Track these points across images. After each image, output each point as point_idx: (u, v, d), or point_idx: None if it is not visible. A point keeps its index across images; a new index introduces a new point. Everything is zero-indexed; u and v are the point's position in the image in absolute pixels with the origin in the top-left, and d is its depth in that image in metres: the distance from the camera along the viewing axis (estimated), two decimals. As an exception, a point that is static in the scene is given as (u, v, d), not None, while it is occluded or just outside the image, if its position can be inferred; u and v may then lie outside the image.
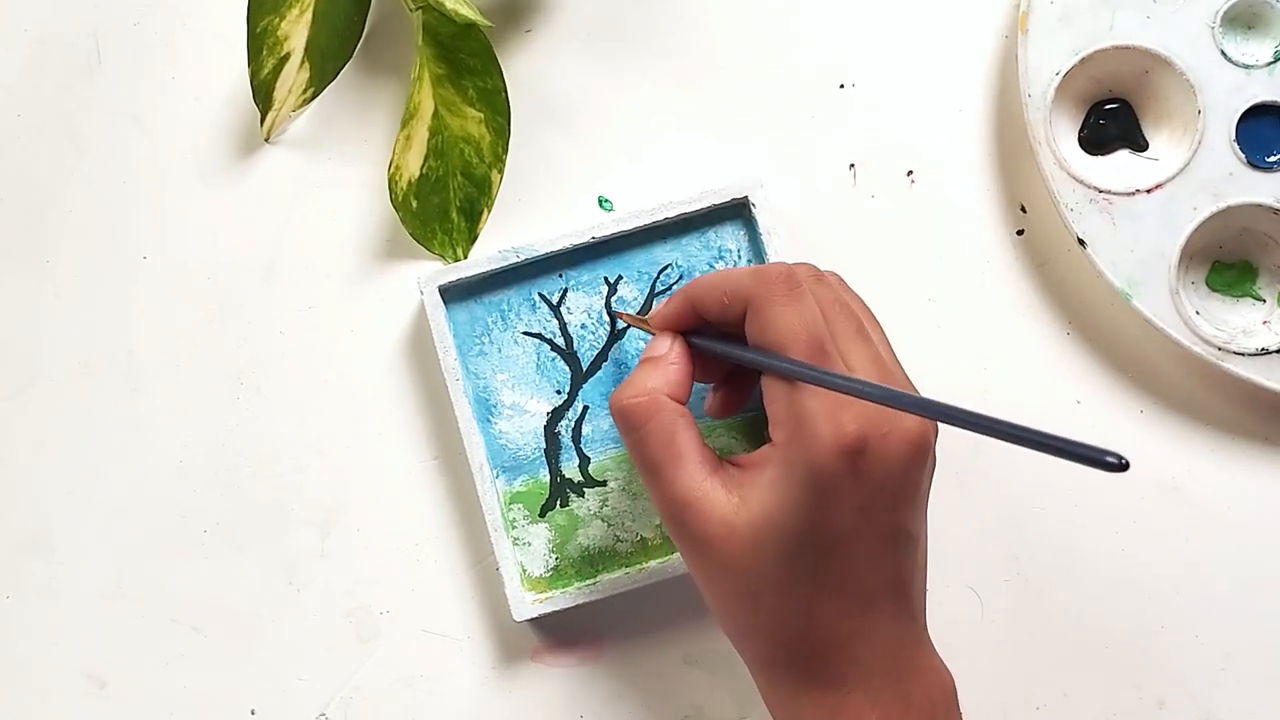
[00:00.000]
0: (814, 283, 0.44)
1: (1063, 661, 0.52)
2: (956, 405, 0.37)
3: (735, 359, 0.45)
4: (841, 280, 0.47)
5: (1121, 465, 0.34)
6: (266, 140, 0.54)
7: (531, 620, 0.50)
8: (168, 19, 0.54)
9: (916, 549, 0.43)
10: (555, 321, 0.52)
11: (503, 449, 0.52)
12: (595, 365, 0.52)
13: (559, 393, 0.52)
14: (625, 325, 0.52)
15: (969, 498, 0.52)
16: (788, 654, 0.42)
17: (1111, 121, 0.52)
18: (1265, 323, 0.51)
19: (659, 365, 0.45)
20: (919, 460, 0.42)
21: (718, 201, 0.51)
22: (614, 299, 0.52)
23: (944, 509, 0.52)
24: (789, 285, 0.42)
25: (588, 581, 0.51)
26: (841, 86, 0.53)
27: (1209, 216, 0.50)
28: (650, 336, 0.47)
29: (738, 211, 0.51)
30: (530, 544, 0.51)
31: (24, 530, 0.54)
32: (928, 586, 0.45)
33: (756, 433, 0.51)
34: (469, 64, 0.51)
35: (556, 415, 0.52)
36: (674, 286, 0.52)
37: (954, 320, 0.52)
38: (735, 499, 0.42)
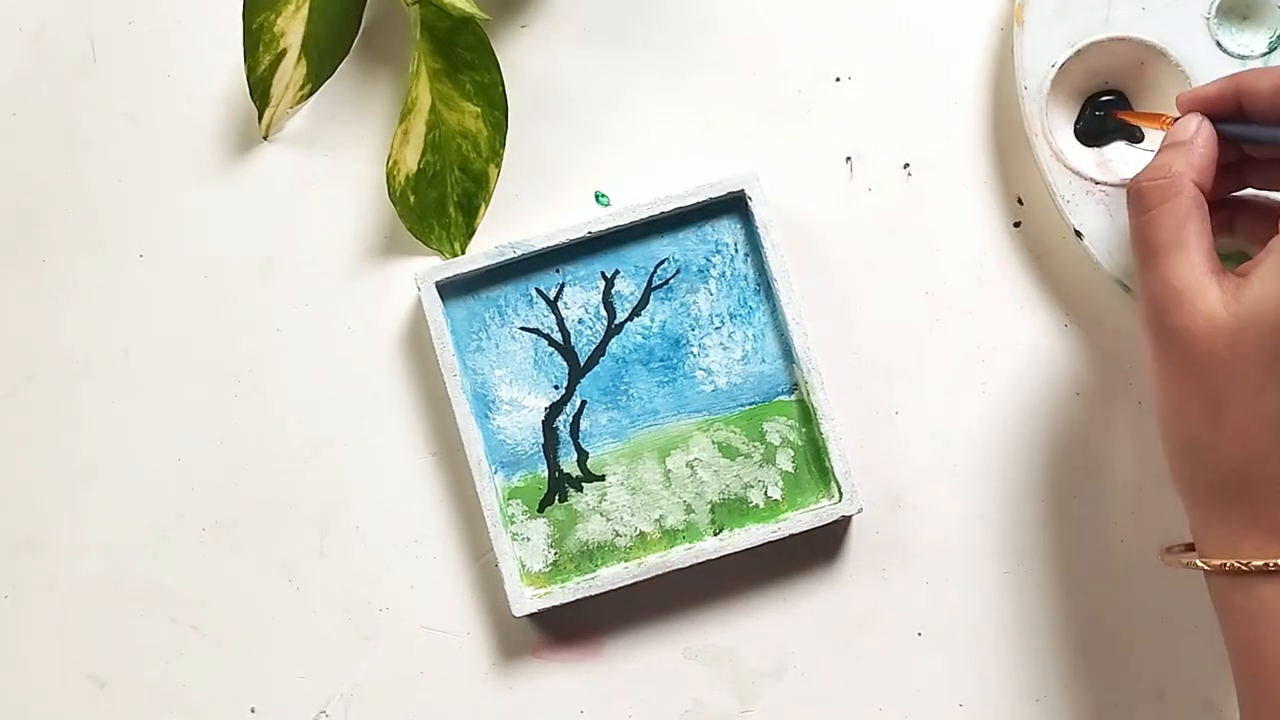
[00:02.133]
0: None
1: (1062, 652, 0.52)
2: None
3: (1269, 140, 0.42)
4: None
5: None
6: (264, 137, 0.54)
7: (531, 616, 0.50)
8: (163, 17, 0.54)
9: None
10: (553, 317, 0.52)
11: (501, 444, 0.51)
12: (593, 360, 0.52)
13: (557, 388, 0.52)
14: (625, 320, 0.52)
15: (969, 490, 0.52)
16: (1237, 483, 0.40)
17: (1108, 113, 0.52)
18: (1262, 313, 0.51)
19: (1184, 148, 0.43)
20: None
21: (714, 195, 0.51)
22: (612, 293, 0.52)
23: (940, 505, 0.52)
24: None
25: (587, 576, 0.51)
26: (838, 80, 0.53)
27: (1205, 207, 0.50)
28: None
29: (734, 205, 0.51)
30: (529, 539, 0.51)
31: (22, 529, 0.53)
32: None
33: None
34: (466, 59, 0.51)
35: (554, 410, 0.52)
36: (671, 281, 0.52)
37: (951, 312, 0.53)
38: (1229, 293, 0.39)
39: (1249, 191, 0.46)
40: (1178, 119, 0.45)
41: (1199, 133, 0.43)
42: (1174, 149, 0.43)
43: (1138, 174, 0.43)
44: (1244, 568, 0.40)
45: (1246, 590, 0.40)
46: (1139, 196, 0.42)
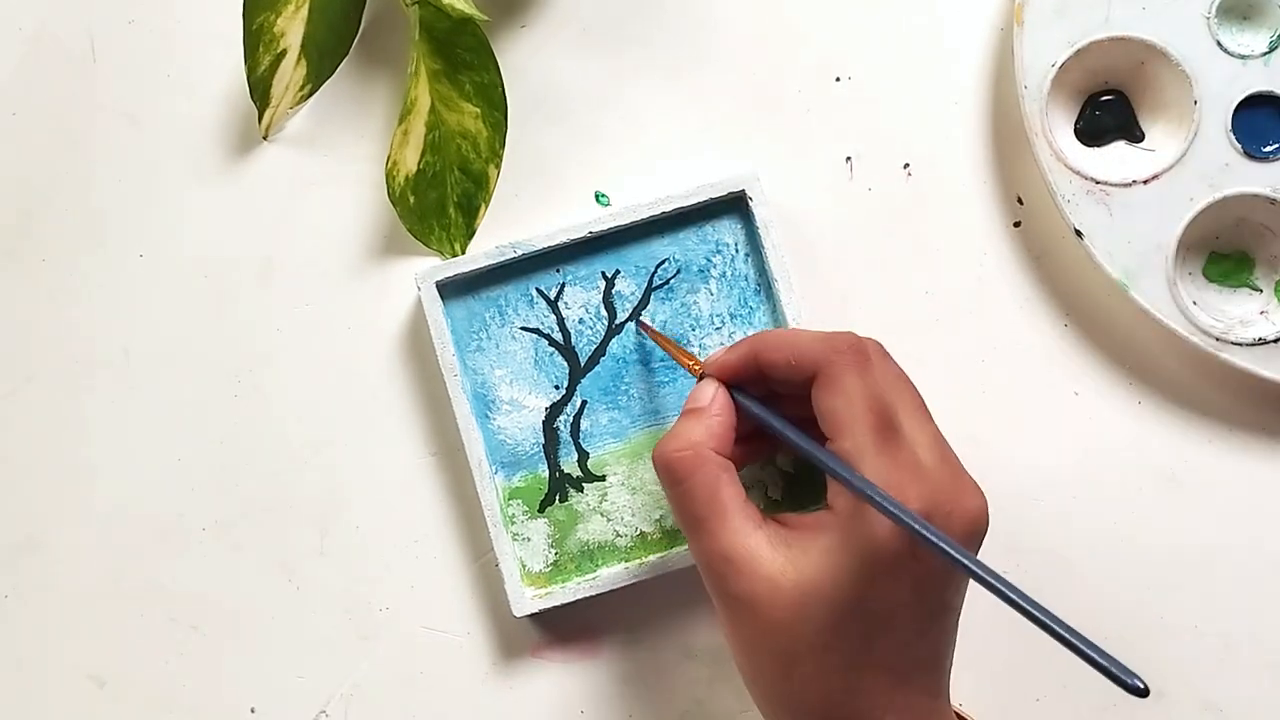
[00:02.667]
0: (878, 357, 0.44)
1: (1061, 652, 0.51)
2: (997, 576, 0.37)
3: (776, 432, 0.44)
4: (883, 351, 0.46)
5: (1142, 691, 0.35)
6: (264, 137, 0.54)
7: (531, 616, 0.50)
8: (163, 16, 0.54)
9: (955, 623, 0.43)
10: (553, 317, 0.52)
11: (501, 445, 0.51)
12: (593, 360, 0.52)
13: (557, 388, 0.52)
14: (625, 320, 0.52)
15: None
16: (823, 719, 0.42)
17: (1108, 113, 0.52)
18: (1262, 313, 0.51)
19: (702, 417, 0.45)
20: (977, 539, 0.42)
21: (715, 195, 0.51)
22: (613, 293, 0.52)
23: (943, 501, 0.52)
24: (859, 356, 0.42)
25: (587, 576, 0.51)
26: (838, 80, 0.53)
27: (1205, 207, 0.50)
28: (687, 373, 0.47)
29: (735, 205, 0.51)
30: (529, 539, 0.51)
31: (21, 529, 0.53)
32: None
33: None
34: (465, 59, 0.51)
35: (555, 410, 0.52)
36: (671, 281, 0.52)
37: (951, 312, 0.53)
38: (782, 559, 0.41)
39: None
40: (701, 375, 0.46)
41: (714, 401, 0.45)
42: (693, 416, 0.45)
43: (661, 443, 0.44)
44: None
45: None
46: (667, 469, 0.44)
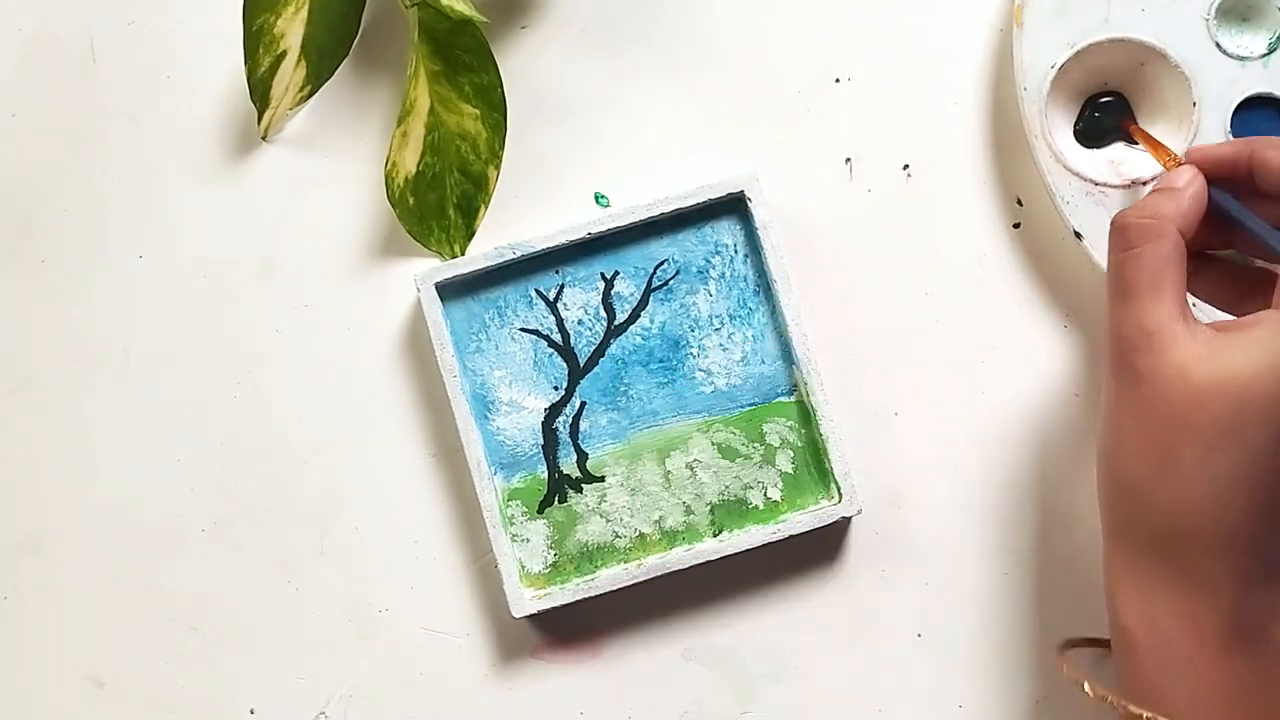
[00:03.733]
0: None
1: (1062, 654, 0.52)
2: None
3: (1250, 229, 0.43)
4: None
5: None
6: (263, 138, 0.54)
7: (530, 617, 0.50)
8: (163, 17, 0.54)
9: None
10: (552, 318, 0.52)
11: (500, 446, 0.51)
12: (592, 361, 0.52)
13: (556, 389, 0.52)
14: (624, 321, 0.52)
15: (969, 491, 0.52)
16: (1169, 533, 0.39)
17: (1107, 114, 0.52)
18: (1262, 314, 0.51)
19: (1176, 195, 0.43)
20: None
21: (714, 196, 0.51)
22: (612, 294, 0.52)
23: (940, 506, 0.52)
24: None
25: (586, 577, 0.51)
26: (837, 81, 0.53)
27: (1205, 208, 0.50)
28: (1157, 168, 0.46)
29: (734, 206, 0.51)
30: (529, 540, 0.51)
31: (21, 529, 0.53)
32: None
33: None
34: (465, 60, 0.51)
35: (554, 411, 0.52)
36: (670, 282, 0.52)
37: (951, 314, 0.53)
38: (1201, 349, 0.39)
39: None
40: (1179, 163, 0.45)
41: (1190, 185, 0.43)
42: (1164, 193, 0.43)
43: (1125, 210, 0.43)
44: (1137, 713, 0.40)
45: None
46: (1124, 231, 0.42)
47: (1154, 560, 0.40)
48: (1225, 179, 0.44)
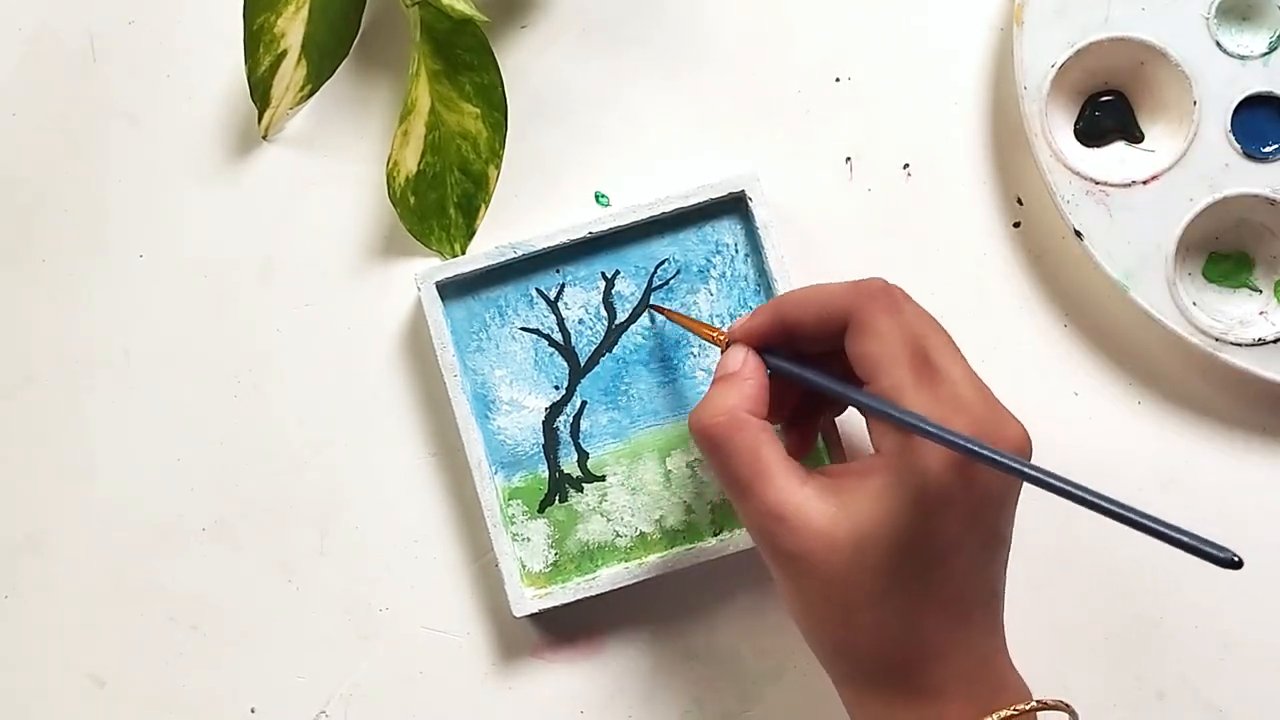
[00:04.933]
0: (904, 299, 0.44)
1: (1062, 654, 0.52)
2: (1056, 476, 0.38)
3: (811, 384, 0.44)
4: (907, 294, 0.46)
5: (1234, 563, 0.35)
6: (264, 138, 0.54)
7: (531, 616, 0.50)
8: (163, 17, 0.54)
9: (1007, 558, 0.43)
10: (553, 317, 0.52)
11: (501, 445, 0.51)
12: (593, 360, 0.52)
13: (557, 388, 0.52)
14: (625, 320, 0.52)
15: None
16: (883, 668, 0.41)
17: (1107, 113, 0.52)
18: (1262, 313, 0.51)
19: (735, 381, 0.44)
20: None
21: (714, 196, 0.51)
22: (613, 293, 0.52)
23: (943, 502, 0.52)
24: (890, 299, 0.42)
25: (587, 576, 0.51)
26: (837, 80, 0.53)
27: (1205, 208, 0.50)
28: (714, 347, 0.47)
29: (734, 206, 0.51)
30: (529, 540, 0.51)
31: (21, 529, 0.53)
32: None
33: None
34: (465, 60, 0.51)
35: (555, 411, 0.52)
36: (671, 281, 0.52)
37: (951, 313, 0.52)
38: (832, 509, 0.41)
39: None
40: (728, 342, 0.46)
41: (745, 365, 0.45)
42: (725, 382, 0.44)
43: (696, 411, 0.44)
44: None
45: None
46: (704, 436, 0.43)
47: (884, 694, 0.42)
48: (774, 343, 0.45)
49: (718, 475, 0.44)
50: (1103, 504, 0.37)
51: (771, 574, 0.43)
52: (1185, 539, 0.35)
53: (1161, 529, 0.35)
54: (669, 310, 0.50)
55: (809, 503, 0.41)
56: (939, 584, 0.41)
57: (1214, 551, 0.35)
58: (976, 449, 0.38)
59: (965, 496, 0.40)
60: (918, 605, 0.41)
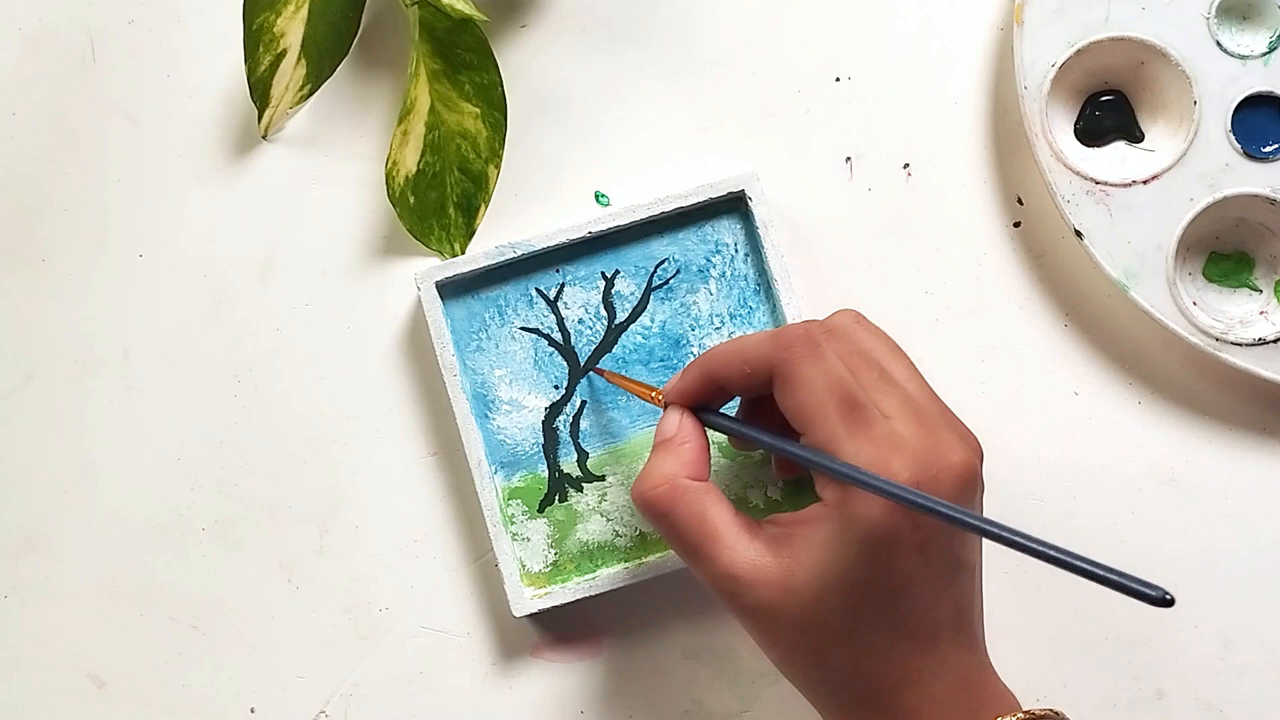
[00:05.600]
0: (828, 338, 0.44)
1: (1062, 653, 0.52)
2: (992, 523, 0.38)
3: (748, 439, 0.45)
4: (857, 318, 0.46)
5: (1166, 601, 0.35)
6: (264, 137, 0.54)
7: (531, 616, 0.50)
8: (163, 16, 0.54)
9: (974, 576, 0.43)
10: (553, 317, 0.52)
11: (501, 445, 0.51)
12: (593, 360, 0.52)
13: (557, 388, 0.52)
14: (625, 320, 0.52)
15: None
16: (860, 698, 0.42)
17: (1107, 113, 0.52)
18: (1262, 313, 0.51)
19: (671, 448, 0.45)
20: (969, 493, 0.42)
21: (714, 195, 0.51)
22: (612, 293, 0.52)
23: (943, 501, 0.52)
24: (809, 345, 0.42)
25: (587, 576, 0.51)
26: (837, 80, 0.53)
27: (1205, 207, 0.50)
28: (644, 401, 0.48)
29: (734, 205, 0.51)
30: (529, 539, 0.51)
31: (21, 529, 0.53)
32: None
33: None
34: (465, 59, 0.51)
35: (554, 410, 0.52)
36: (671, 281, 0.52)
37: (951, 313, 0.53)
38: (786, 560, 0.42)
39: None
40: (660, 397, 0.47)
41: (680, 429, 0.45)
42: (663, 450, 0.45)
43: (637, 483, 0.44)
44: None
45: None
46: (648, 507, 0.44)
47: (863, 714, 0.42)
48: (710, 399, 0.46)
49: (669, 542, 0.44)
50: (1036, 549, 0.37)
51: (746, 628, 0.44)
52: (1119, 580, 0.36)
53: (1095, 571, 0.36)
54: (608, 373, 0.51)
55: (761, 559, 0.42)
56: (903, 616, 0.41)
57: (1148, 591, 0.35)
58: (911, 498, 0.39)
59: (913, 533, 0.40)
60: (885, 638, 0.41)
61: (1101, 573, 0.36)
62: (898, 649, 0.41)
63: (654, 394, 0.48)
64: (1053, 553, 0.37)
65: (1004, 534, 0.38)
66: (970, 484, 0.42)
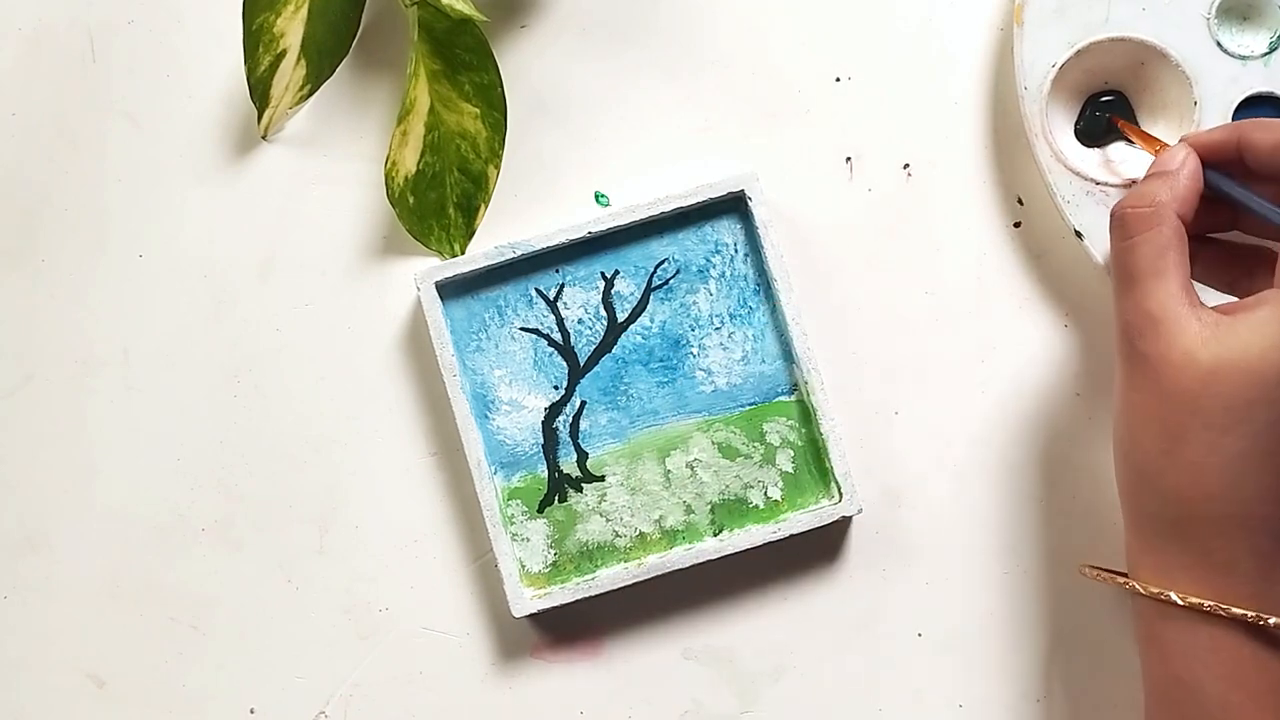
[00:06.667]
0: None
1: (1063, 653, 0.52)
2: None
3: (1251, 207, 0.43)
4: None
5: None
6: (264, 137, 0.54)
7: (530, 616, 0.50)
8: (163, 17, 0.54)
9: None
10: (552, 317, 0.52)
11: (500, 445, 0.51)
12: (593, 360, 0.52)
13: (556, 388, 0.52)
14: (624, 320, 0.52)
15: (969, 490, 0.52)
16: (1184, 517, 0.40)
17: (1108, 114, 0.52)
18: (1262, 313, 0.51)
19: (1170, 178, 0.43)
20: None
21: (714, 195, 0.51)
22: (612, 293, 0.52)
23: (940, 506, 0.52)
24: None
25: (586, 576, 0.51)
26: (837, 80, 0.53)
27: (1206, 207, 0.50)
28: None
29: (734, 205, 0.51)
30: (529, 540, 0.51)
31: (21, 529, 0.53)
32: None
33: None
34: (465, 59, 0.51)
35: (554, 411, 0.52)
36: (671, 281, 0.52)
37: (951, 313, 0.52)
38: (1209, 332, 0.40)
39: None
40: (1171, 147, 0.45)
41: (1184, 164, 0.44)
42: (1159, 178, 0.44)
43: (1122, 199, 0.43)
44: (1179, 602, 0.41)
45: (1176, 623, 0.41)
46: (1122, 222, 0.43)
47: (1173, 545, 0.41)
48: (1217, 162, 0.45)
49: (1114, 263, 0.43)
50: None
51: (1118, 383, 0.42)
52: None
53: None
54: (1125, 122, 0.49)
55: (1187, 317, 0.40)
56: (1276, 441, 0.39)
57: None
58: None
59: None
60: (1248, 459, 0.39)
61: None
62: (1250, 480, 0.39)
63: (1159, 144, 0.47)
64: None
65: None
66: None
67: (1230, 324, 0.40)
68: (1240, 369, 0.39)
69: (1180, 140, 0.46)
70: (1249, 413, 0.39)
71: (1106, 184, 0.50)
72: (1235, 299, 0.44)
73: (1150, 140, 0.48)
